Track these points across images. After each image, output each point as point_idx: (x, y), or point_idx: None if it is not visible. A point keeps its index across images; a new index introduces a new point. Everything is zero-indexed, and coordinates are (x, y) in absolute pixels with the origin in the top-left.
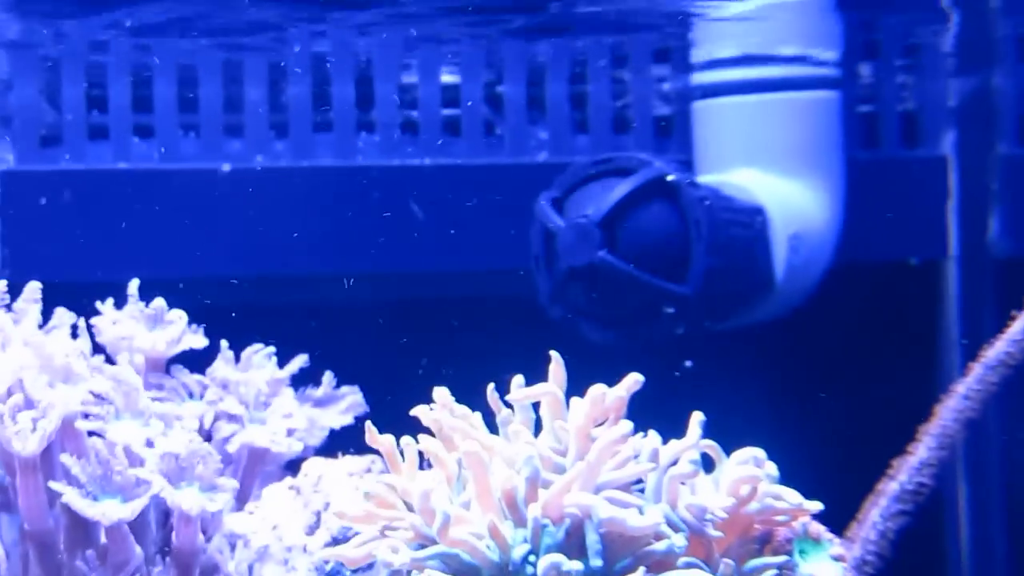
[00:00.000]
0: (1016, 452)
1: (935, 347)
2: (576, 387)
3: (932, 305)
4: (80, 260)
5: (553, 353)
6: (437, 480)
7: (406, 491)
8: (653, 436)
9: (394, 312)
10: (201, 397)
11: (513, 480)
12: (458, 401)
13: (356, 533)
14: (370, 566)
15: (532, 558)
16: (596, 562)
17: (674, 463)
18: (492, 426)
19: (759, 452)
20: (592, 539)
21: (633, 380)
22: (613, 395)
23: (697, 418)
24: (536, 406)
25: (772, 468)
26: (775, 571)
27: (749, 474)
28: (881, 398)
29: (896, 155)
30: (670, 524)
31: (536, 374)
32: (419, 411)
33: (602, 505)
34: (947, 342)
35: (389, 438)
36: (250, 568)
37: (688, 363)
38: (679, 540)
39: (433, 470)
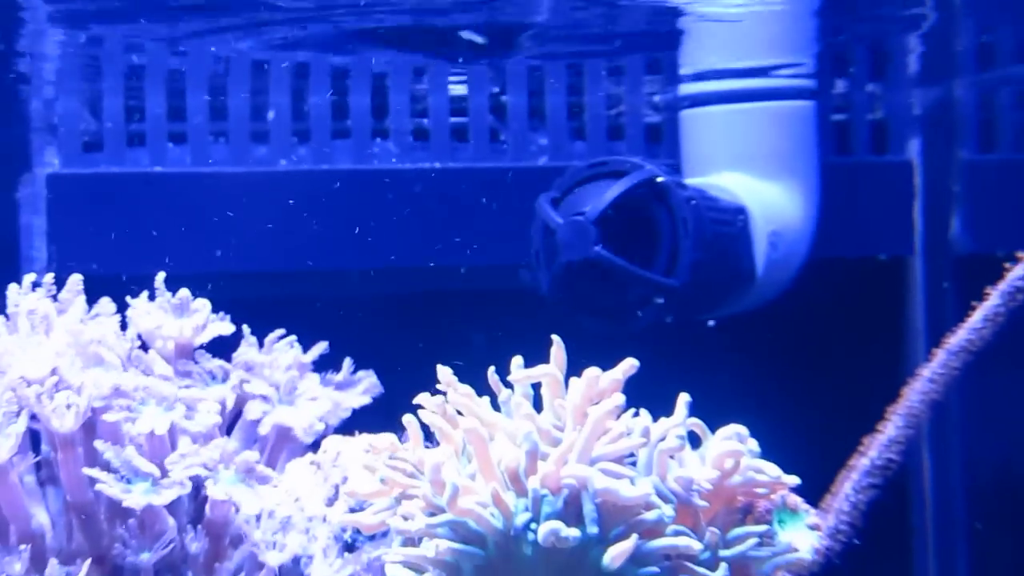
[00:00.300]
0: (975, 430)
1: (902, 335)
2: (573, 373)
3: (899, 297)
4: (119, 255)
5: (554, 337)
6: (447, 454)
7: (421, 461)
8: (644, 415)
9: (404, 304)
10: (224, 381)
11: (514, 454)
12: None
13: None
14: (384, 534)
15: (533, 525)
16: (592, 529)
17: (663, 439)
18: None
19: (742, 429)
20: (588, 508)
21: (629, 364)
22: (608, 377)
23: (684, 398)
24: (536, 387)
25: (753, 444)
26: (757, 539)
27: (732, 449)
28: (852, 381)
29: (866, 160)
30: (660, 495)
31: (537, 361)
32: (422, 398)
33: (597, 476)
34: (912, 331)
35: (391, 437)
36: (273, 537)
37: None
38: (668, 510)
39: (442, 446)
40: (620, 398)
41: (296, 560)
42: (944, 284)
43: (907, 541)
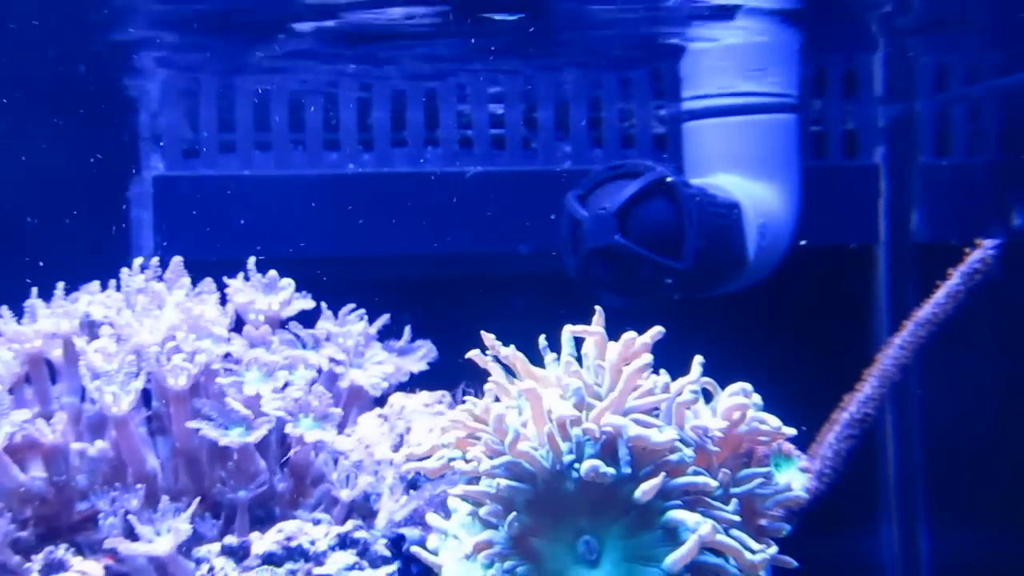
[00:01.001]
0: (931, 390)
1: (868, 311)
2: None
3: (867, 279)
4: (213, 243)
5: (597, 307)
6: (507, 406)
7: (487, 409)
8: (664, 374)
9: (448, 283)
10: (314, 347)
11: (562, 405)
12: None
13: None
14: (441, 477)
15: (576, 465)
16: (625, 469)
17: (680, 394)
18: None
19: (747, 385)
20: (623, 452)
21: (656, 330)
22: (640, 341)
23: (698, 359)
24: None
25: (757, 399)
26: (761, 479)
27: (740, 402)
28: (827, 348)
29: (839, 164)
30: (682, 440)
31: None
32: (474, 354)
33: (631, 425)
34: (877, 308)
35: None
36: (348, 477)
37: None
38: (689, 452)
39: (502, 400)
40: (649, 358)
41: (366, 496)
42: (905, 268)
43: (873, 482)
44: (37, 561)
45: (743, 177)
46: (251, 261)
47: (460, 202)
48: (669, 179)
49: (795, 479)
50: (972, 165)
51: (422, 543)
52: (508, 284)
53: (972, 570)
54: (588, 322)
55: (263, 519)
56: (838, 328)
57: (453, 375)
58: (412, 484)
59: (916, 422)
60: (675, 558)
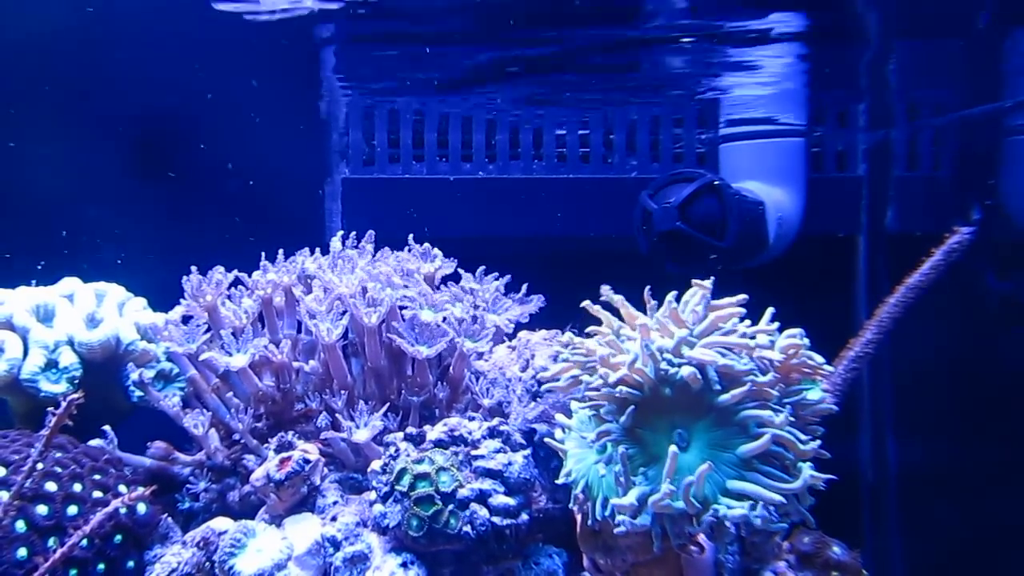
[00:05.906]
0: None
1: (852, 282)
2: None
3: (852, 259)
4: (384, 225)
5: (694, 280)
6: (623, 340)
7: (606, 343)
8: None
9: (551, 258)
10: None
11: (662, 340)
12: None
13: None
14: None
15: (676, 375)
16: (715, 385)
17: (754, 336)
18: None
19: (801, 331)
20: (712, 375)
21: (742, 297)
22: (732, 300)
23: (769, 311)
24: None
25: (806, 341)
26: (802, 395)
27: (794, 342)
28: (823, 308)
29: (833, 175)
30: (755, 368)
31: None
32: (586, 303)
33: (719, 357)
34: (858, 280)
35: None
36: (487, 389)
37: None
38: (758, 374)
39: (630, 333)
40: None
41: (499, 403)
42: (880, 252)
43: (854, 403)
44: (272, 442)
45: (765, 183)
46: (410, 238)
47: (557, 199)
48: (716, 182)
49: (818, 395)
50: (934, 177)
51: (548, 435)
52: (593, 257)
53: (926, 469)
54: (653, 283)
55: (427, 418)
56: (830, 294)
57: (555, 320)
58: (534, 395)
59: (887, 358)
60: (751, 447)
